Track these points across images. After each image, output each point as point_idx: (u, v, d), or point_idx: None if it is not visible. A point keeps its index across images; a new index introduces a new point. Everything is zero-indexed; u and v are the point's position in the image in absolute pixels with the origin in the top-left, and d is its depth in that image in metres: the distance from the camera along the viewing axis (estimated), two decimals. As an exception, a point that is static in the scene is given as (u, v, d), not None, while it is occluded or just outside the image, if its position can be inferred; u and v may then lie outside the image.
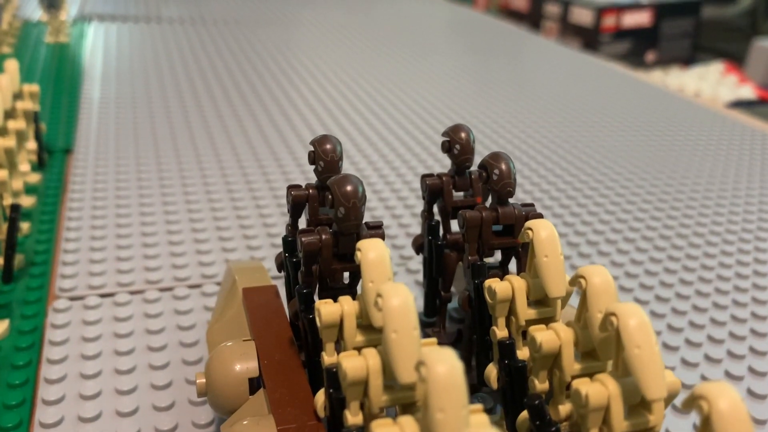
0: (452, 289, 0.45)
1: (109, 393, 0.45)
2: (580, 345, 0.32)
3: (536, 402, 0.31)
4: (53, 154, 0.83)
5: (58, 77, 1.10)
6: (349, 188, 0.34)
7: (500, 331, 0.35)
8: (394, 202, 0.72)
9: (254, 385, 0.37)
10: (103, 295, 0.56)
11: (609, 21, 2.16)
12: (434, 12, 1.85)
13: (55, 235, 0.65)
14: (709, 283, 0.61)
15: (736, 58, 2.31)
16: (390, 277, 0.31)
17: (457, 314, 0.51)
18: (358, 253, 0.32)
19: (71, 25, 1.41)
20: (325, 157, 0.39)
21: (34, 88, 0.79)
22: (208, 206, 0.71)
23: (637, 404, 0.29)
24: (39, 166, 0.78)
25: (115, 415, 0.44)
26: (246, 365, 0.38)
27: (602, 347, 0.30)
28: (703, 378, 0.49)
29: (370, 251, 0.32)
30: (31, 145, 0.76)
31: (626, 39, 2.19)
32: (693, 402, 0.24)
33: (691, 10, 2.30)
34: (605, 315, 0.28)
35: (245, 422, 0.34)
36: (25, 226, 0.65)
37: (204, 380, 0.38)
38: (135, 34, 1.40)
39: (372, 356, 0.29)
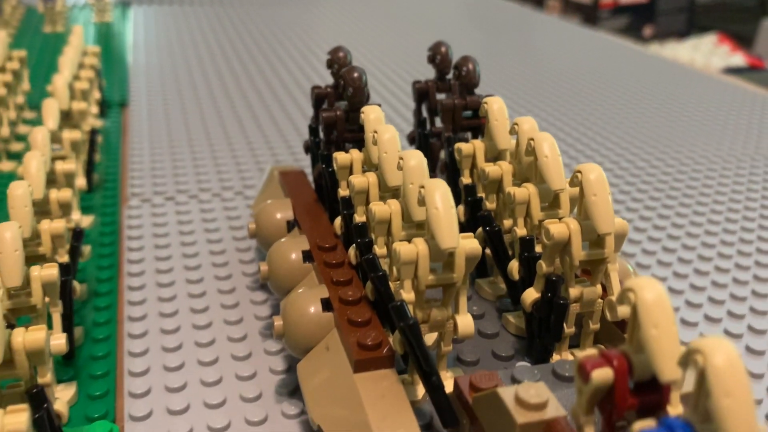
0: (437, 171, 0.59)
1: (181, 283, 0.56)
2: (518, 176, 0.45)
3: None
4: (110, 107, 0.97)
5: (107, 49, 1.25)
6: (356, 74, 0.48)
7: (466, 180, 0.49)
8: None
9: (290, 225, 0.51)
10: (166, 198, 0.70)
11: (608, -2, 2.27)
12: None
13: (120, 162, 0.79)
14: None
15: (744, 39, 2.41)
16: (381, 120, 0.44)
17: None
18: (362, 116, 0.46)
19: (114, 6, 1.56)
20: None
21: (96, 48, 0.94)
22: (241, 135, 0.85)
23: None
24: (101, 114, 0.93)
25: (189, 312, 0.52)
26: (285, 213, 0.52)
27: (529, 171, 0.44)
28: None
29: (371, 113, 0.45)
30: (97, 94, 0.91)
31: (624, 14, 2.30)
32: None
33: (687, -14, 2.41)
34: (527, 141, 0.42)
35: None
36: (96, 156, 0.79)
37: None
38: (170, 14, 1.55)
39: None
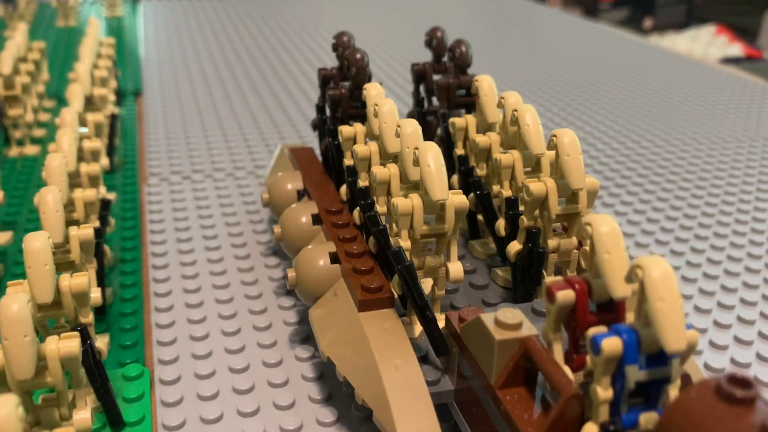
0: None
1: (200, 251, 0.63)
2: (505, 145, 0.50)
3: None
4: (125, 96, 1.02)
5: (119, 42, 1.30)
6: (358, 55, 0.53)
7: (459, 151, 0.54)
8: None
9: (300, 194, 0.56)
10: (183, 177, 0.75)
11: (608, -10, 2.31)
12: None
13: (137, 146, 0.84)
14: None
15: (745, 31, 2.43)
16: (382, 96, 0.49)
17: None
18: (364, 92, 0.51)
19: (124, 1, 1.61)
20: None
21: (111, 40, 0.99)
22: (250, 119, 0.90)
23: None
24: (117, 103, 0.98)
25: (209, 275, 0.57)
26: (295, 184, 0.57)
27: (514, 140, 0.49)
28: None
29: (372, 90, 0.50)
30: (113, 83, 0.96)
31: (624, 7, 2.34)
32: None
33: (686, -23, 2.45)
34: (512, 112, 0.47)
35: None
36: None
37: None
38: (179, 8, 1.60)
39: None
